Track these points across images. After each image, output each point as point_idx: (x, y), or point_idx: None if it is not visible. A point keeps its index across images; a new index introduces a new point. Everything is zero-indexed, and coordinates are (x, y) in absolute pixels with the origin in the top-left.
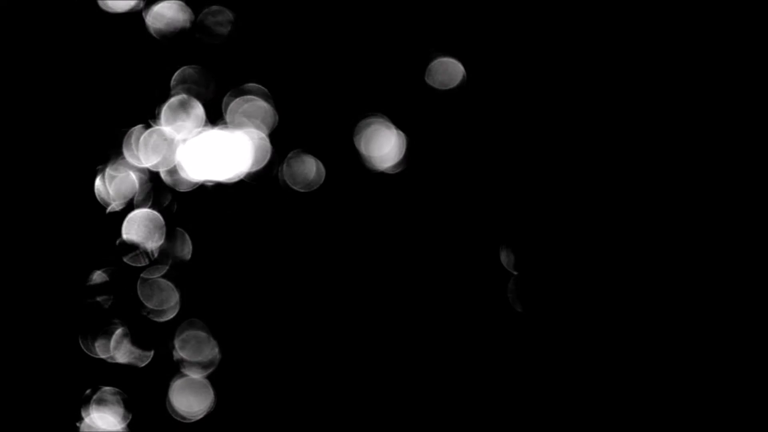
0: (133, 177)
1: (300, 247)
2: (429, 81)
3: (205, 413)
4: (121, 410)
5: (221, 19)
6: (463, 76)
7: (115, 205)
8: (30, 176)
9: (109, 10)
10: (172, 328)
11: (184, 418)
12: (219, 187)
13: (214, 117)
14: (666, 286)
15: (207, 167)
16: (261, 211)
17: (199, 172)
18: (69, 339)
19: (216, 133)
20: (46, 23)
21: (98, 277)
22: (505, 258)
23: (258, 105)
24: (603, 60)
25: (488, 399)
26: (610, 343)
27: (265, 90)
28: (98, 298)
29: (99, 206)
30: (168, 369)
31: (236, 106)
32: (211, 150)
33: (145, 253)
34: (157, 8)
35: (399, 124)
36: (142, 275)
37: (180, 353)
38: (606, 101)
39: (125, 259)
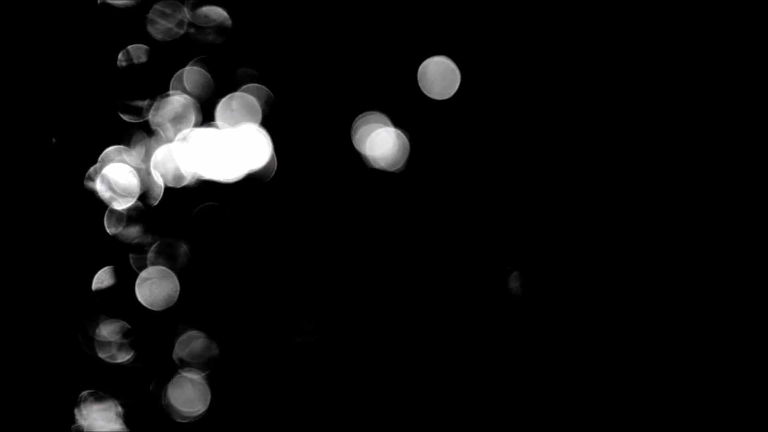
0: (132, 176)
1: (299, 246)
2: (425, 83)
3: (203, 413)
4: (119, 410)
5: (220, 18)
6: (462, 78)
7: (114, 205)
8: (28, 175)
9: (108, 9)
10: (171, 328)
11: (182, 418)
12: (218, 185)
13: (213, 116)
14: (666, 286)
15: (206, 166)
16: (260, 210)
17: (198, 171)
18: (69, 339)
19: (215, 132)
20: (44, 20)
21: (97, 276)
22: (506, 257)
23: (257, 104)
24: (602, 61)
25: (488, 398)
26: (610, 343)
27: (265, 89)
28: (97, 298)
29: (98, 206)
30: (167, 369)
31: (235, 105)
32: (210, 149)
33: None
34: (156, 6)
35: (397, 122)
36: (141, 275)
37: (179, 353)
38: (605, 101)
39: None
